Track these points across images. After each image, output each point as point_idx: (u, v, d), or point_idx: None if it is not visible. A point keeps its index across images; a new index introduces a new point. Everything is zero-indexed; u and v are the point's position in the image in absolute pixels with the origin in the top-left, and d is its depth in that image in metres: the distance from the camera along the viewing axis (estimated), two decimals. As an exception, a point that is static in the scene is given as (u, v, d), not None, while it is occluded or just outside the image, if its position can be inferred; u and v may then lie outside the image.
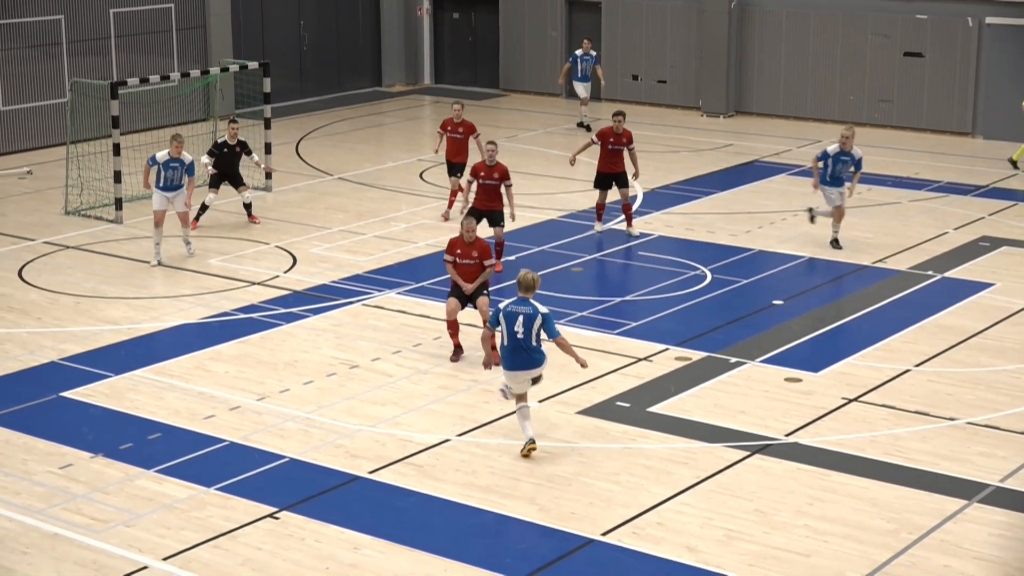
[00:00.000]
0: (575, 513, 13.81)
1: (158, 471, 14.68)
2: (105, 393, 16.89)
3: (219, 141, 24.10)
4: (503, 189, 21.32)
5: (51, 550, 13.07)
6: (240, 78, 31.48)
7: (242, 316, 19.76)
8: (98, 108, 25.72)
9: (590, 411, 16.31)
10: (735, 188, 27.28)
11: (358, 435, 15.63)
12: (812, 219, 23.49)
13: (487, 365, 16.01)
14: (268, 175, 26.87)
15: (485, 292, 17.83)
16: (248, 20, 35.48)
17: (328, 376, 17.42)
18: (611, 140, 23.30)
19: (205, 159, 24.18)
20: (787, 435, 15.60)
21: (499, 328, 15.06)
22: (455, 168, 24.54)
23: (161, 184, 21.78)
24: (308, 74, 37.23)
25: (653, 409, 16.38)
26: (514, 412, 15.33)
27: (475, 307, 17.78)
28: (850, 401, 16.56)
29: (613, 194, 23.71)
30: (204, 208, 24.06)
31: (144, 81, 25.94)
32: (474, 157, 24.12)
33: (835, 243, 23.00)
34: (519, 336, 14.87)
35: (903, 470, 14.72)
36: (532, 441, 15.00)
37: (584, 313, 19.79)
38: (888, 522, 13.57)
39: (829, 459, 14.97)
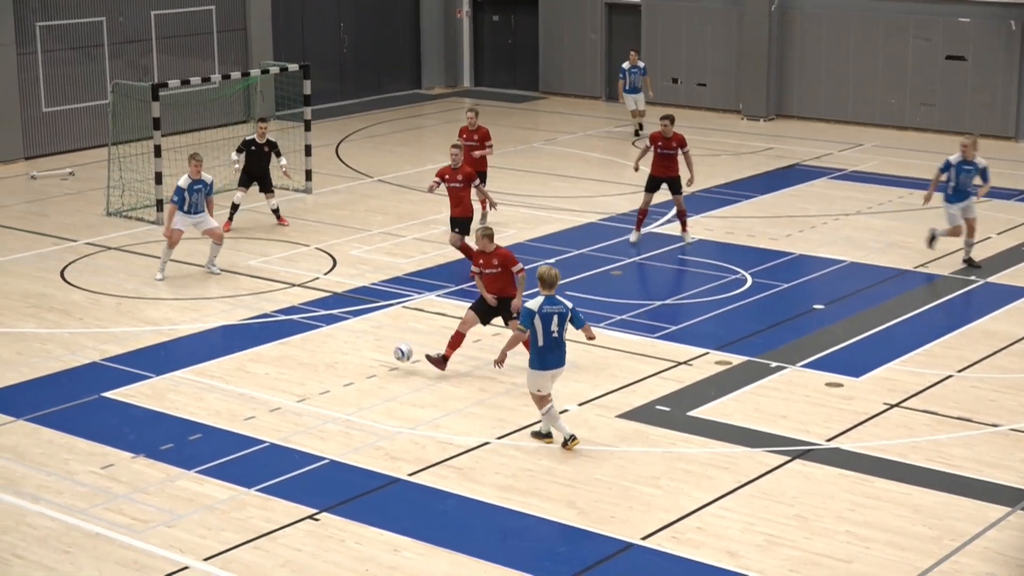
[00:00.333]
0: (615, 517, 13.77)
1: (199, 472, 14.72)
2: (146, 394, 16.96)
3: (248, 139, 24.15)
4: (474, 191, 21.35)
5: (93, 550, 13.13)
6: (280, 80, 31.55)
7: (282, 318, 19.81)
8: (139, 110, 25.84)
9: (630, 415, 16.27)
10: (776, 192, 27.18)
11: (398, 437, 15.64)
12: (932, 243, 22.31)
13: (500, 363, 15.74)
14: (306, 178, 26.93)
15: (515, 315, 17.22)
16: (289, 22, 35.58)
17: (368, 378, 17.44)
18: (660, 144, 23.08)
19: (234, 156, 24.23)
20: (828, 440, 15.53)
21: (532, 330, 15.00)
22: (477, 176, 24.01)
23: (185, 208, 21.30)
24: (348, 76, 37.30)
25: (693, 413, 16.33)
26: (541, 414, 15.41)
27: (506, 324, 17.64)
28: (892, 406, 16.47)
29: (659, 196, 23.56)
30: (235, 208, 24.12)
31: (185, 83, 26.04)
32: (490, 163, 24.17)
33: (969, 262, 21.91)
34: (554, 335, 14.97)
35: (945, 476, 14.63)
36: (574, 437, 15.21)
37: (624, 317, 19.75)
38: (930, 528, 13.49)
39: (871, 465, 14.88)
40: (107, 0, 31.33)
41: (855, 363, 17.89)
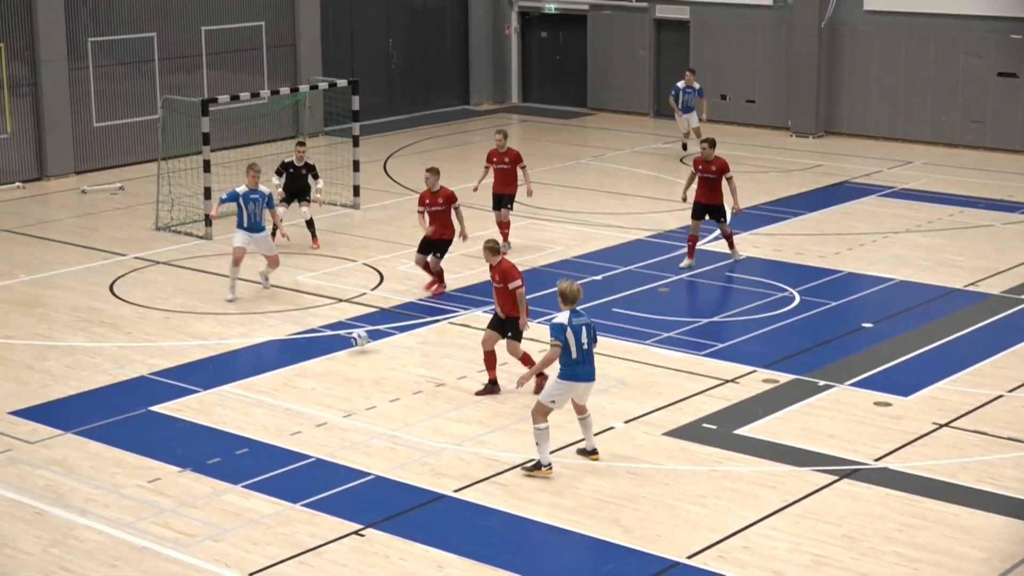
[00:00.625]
0: (661, 535, 13.71)
1: (245, 486, 14.76)
2: (193, 408, 17.02)
3: (286, 161, 24.13)
4: (452, 214, 21.12)
5: (139, 563, 13.18)
6: (329, 96, 31.70)
7: (329, 333, 19.85)
8: (189, 125, 26.00)
9: (676, 433, 16.21)
10: (824, 209, 27.05)
11: (443, 453, 15.63)
12: None
13: (522, 383, 15.61)
14: (354, 193, 26.99)
15: (510, 335, 17.17)
16: (338, 38, 35.73)
17: (414, 394, 17.45)
18: (701, 167, 22.77)
19: (275, 179, 24.22)
20: (876, 460, 15.42)
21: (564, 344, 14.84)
22: (504, 200, 23.62)
23: (245, 224, 21.15)
24: (396, 92, 37.40)
25: (740, 432, 16.25)
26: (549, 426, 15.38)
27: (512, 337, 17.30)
28: (941, 426, 16.34)
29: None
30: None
31: (234, 98, 26.18)
32: (523, 187, 23.89)
33: None
34: (585, 347, 14.90)
35: (996, 497, 14.49)
36: (595, 451, 15.36)
37: (671, 334, 19.69)
38: (980, 551, 13.36)
39: (919, 485, 14.76)
40: (158, 16, 31.55)
41: (904, 382, 17.76)
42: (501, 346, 17.46)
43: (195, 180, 25.93)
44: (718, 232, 24.07)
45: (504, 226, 23.72)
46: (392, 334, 19.69)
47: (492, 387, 17.44)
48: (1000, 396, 17.28)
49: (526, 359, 17.20)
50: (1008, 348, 19.05)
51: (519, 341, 17.26)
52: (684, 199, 23.69)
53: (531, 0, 38.67)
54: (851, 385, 17.66)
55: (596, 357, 17.47)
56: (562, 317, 14.89)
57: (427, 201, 21.12)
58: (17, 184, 29.17)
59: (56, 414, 16.84)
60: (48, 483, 14.90)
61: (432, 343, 19.30)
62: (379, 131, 34.91)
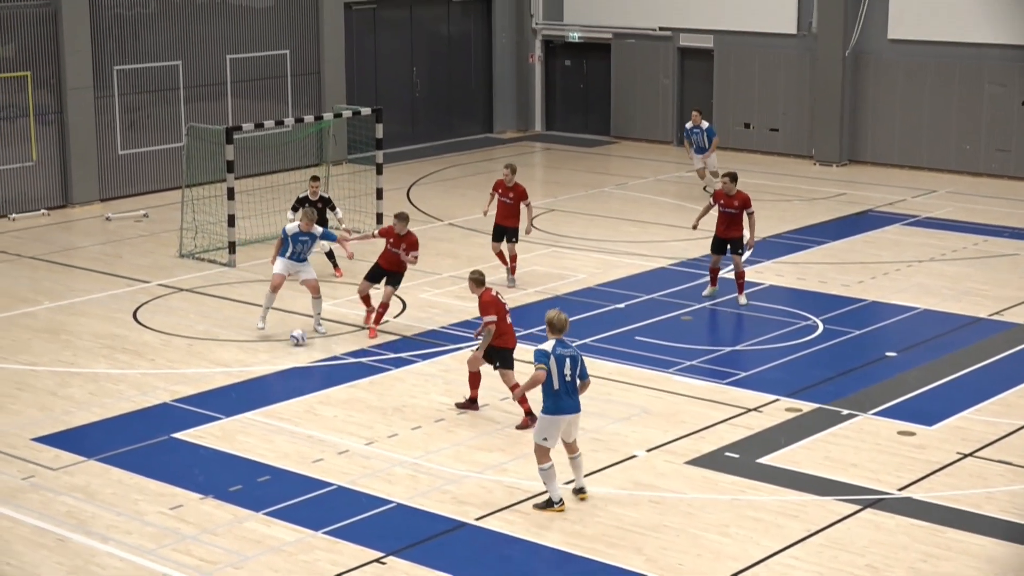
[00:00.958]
0: (683, 565, 13.66)
1: (267, 514, 14.75)
2: (216, 435, 17.04)
3: (300, 196, 24.08)
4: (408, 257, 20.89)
5: (160, 591, 13.18)
6: (353, 124, 31.79)
7: (352, 360, 19.86)
8: (213, 152, 26.09)
9: (699, 461, 16.15)
10: (848, 238, 27.00)
11: (465, 481, 15.61)
12: None
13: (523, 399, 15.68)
14: (377, 221, 27.03)
15: (498, 365, 17.41)
16: (362, 66, 35.85)
17: (436, 421, 17.44)
18: (722, 202, 22.45)
19: (290, 215, 24.22)
20: (900, 489, 15.34)
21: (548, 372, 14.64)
22: (506, 233, 23.40)
23: (288, 253, 20.98)
24: (420, 120, 37.50)
25: (763, 460, 16.19)
26: (538, 467, 14.84)
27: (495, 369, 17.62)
28: (965, 456, 16.25)
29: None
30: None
31: (259, 126, 26.27)
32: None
33: None
34: (568, 379, 14.65)
35: (1021, 528, 14.39)
36: (583, 490, 15.06)
37: (694, 362, 19.65)
38: (1004, 581, 13.28)
39: (943, 515, 14.68)
40: (184, 45, 31.71)
41: (928, 411, 17.69)
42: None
43: (219, 207, 26.01)
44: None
45: (512, 259, 23.57)
46: (414, 362, 19.69)
47: (471, 404, 17.78)
48: (1025, 426, 17.21)
49: (516, 388, 17.27)
50: (1033, 377, 18.98)
51: (510, 369, 17.47)
52: (694, 227, 23.43)
53: (555, 28, 38.75)
54: (874, 414, 17.59)
55: (617, 385, 17.48)
56: (547, 345, 14.72)
57: (391, 241, 20.90)
58: (42, 211, 29.31)
59: (79, 441, 16.87)
60: (70, 509, 14.92)
61: (454, 371, 19.29)
62: (403, 159, 34.98)
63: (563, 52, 39.08)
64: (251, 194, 28.19)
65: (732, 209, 22.30)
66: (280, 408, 17.96)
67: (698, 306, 22.35)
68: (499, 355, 17.41)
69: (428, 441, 16.79)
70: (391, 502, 15.07)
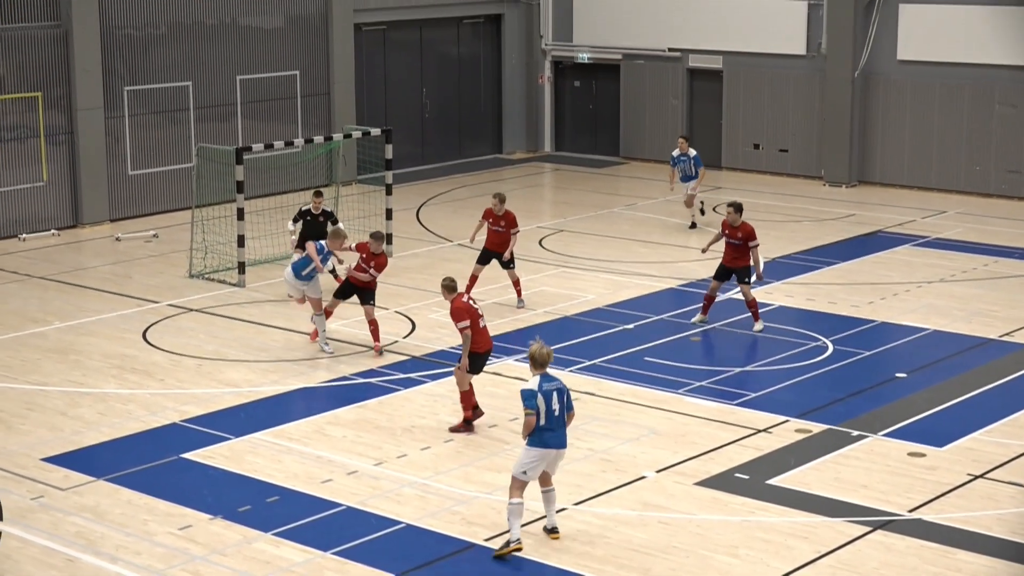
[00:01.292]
0: (692, 586, 13.63)
1: (276, 534, 14.74)
2: (225, 455, 17.03)
3: (303, 208, 24.11)
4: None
5: (169, 611, 13.16)
6: (362, 144, 31.86)
7: (361, 381, 19.86)
8: (223, 173, 26.13)
9: (708, 482, 16.12)
10: (858, 258, 26.97)
11: (474, 502, 15.59)
12: None
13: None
14: (387, 241, 27.07)
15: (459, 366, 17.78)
16: (371, 87, 35.93)
17: (445, 442, 17.42)
18: (727, 231, 22.23)
19: (290, 226, 24.27)
20: (910, 511, 15.30)
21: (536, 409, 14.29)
22: (495, 258, 23.28)
23: (304, 272, 21.02)
24: (429, 141, 37.56)
25: (772, 482, 16.15)
26: (514, 503, 14.38)
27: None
28: (976, 477, 16.21)
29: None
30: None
31: (268, 147, 26.31)
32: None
33: None
34: (556, 414, 14.26)
35: (1031, 549, 14.37)
36: (555, 530, 14.64)
37: (703, 383, 19.63)
38: (1015, 603, 13.23)
39: (954, 536, 14.64)
40: (194, 66, 31.79)
41: (938, 433, 17.65)
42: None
43: (229, 228, 26.05)
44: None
45: (515, 283, 23.44)
46: (424, 382, 19.68)
47: (466, 426, 17.81)
48: (1035, 447, 17.16)
49: (464, 397, 17.78)
50: (1043, 399, 18.94)
51: (474, 374, 17.84)
52: (704, 251, 23.33)
53: (565, 49, 38.82)
54: (885, 435, 17.55)
55: (626, 405, 17.45)
56: (532, 383, 14.35)
57: (363, 258, 20.88)
58: (52, 231, 29.36)
59: (88, 461, 16.87)
60: (79, 530, 14.92)
61: (464, 391, 19.27)
62: (412, 179, 35.03)
63: (572, 73, 39.14)
64: (261, 214, 28.23)
65: (736, 240, 22.05)
66: (289, 428, 17.96)
67: (707, 327, 22.32)
68: (471, 360, 17.65)
69: (437, 461, 16.77)
70: (400, 523, 15.05)
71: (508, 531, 14.47)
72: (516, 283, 23.47)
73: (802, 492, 15.83)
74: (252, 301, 23.94)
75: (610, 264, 26.46)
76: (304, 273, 21.06)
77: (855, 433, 17.60)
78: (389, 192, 27.24)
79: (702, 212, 29.76)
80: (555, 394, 14.29)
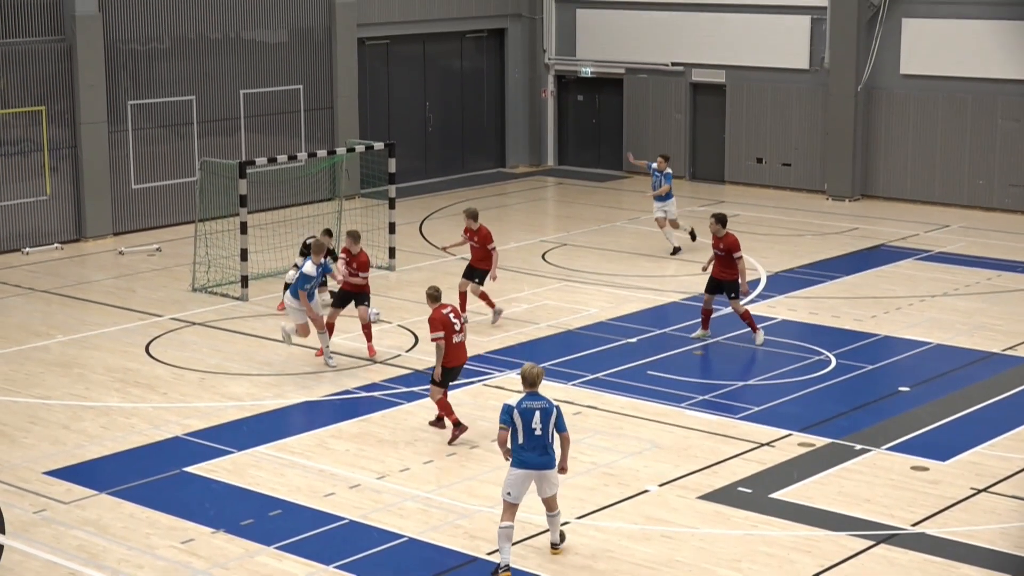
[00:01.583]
0: (695, 600, 13.61)
1: (278, 548, 14.72)
2: (227, 469, 17.02)
3: (307, 241, 24.04)
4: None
5: (171, 625, 13.14)
6: (366, 158, 31.88)
7: (363, 394, 19.86)
8: (226, 187, 26.15)
9: (711, 496, 16.11)
10: (861, 272, 26.97)
11: (477, 515, 15.57)
12: None
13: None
14: (390, 255, 27.09)
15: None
16: (375, 101, 35.97)
17: (448, 456, 17.41)
18: (713, 243, 22.21)
19: (298, 261, 24.20)
20: (913, 525, 15.28)
21: (512, 427, 14.11)
22: (475, 274, 23.26)
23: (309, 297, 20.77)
24: (433, 155, 37.59)
25: (775, 495, 16.13)
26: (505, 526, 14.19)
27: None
28: (979, 491, 16.19)
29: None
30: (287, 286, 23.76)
31: (272, 161, 26.33)
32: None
33: None
34: (537, 433, 14.00)
35: (1034, 564, 14.34)
36: (555, 545, 14.49)
37: (706, 397, 19.62)
38: (1019, 617, 13.21)
39: (957, 551, 14.61)
40: (198, 80, 31.84)
41: (941, 446, 17.63)
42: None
43: (232, 242, 26.07)
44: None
45: (481, 297, 23.29)
46: (426, 395, 19.65)
47: (458, 428, 17.93)
48: (1039, 461, 17.14)
49: (441, 403, 18.04)
50: (1047, 413, 18.92)
51: (442, 388, 18.05)
52: (704, 269, 23.00)
53: (568, 64, 38.86)
54: (888, 449, 17.54)
55: (629, 419, 17.42)
56: (512, 399, 14.21)
57: (347, 260, 21.28)
58: (56, 245, 29.39)
59: (91, 474, 16.87)
60: (82, 543, 14.91)
61: (466, 405, 19.26)
62: (415, 193, 35.05)
63: (575, 87, 39.17)
64: (264, 228, 28.25)
65: (720, 251, 21.96)
66: (292, 442, 17.96)
67: (710, 341, 22.31)
68: (442, 373, 17.91)
69: (440, 475, 16.77)
70: (403, 536, 15.04)
71: (513, 544, 14.44)
72: (482, 297, 23.31)
73: (805, 506, 15.81)
74: (255, 315, 23.95)
75: (613, 278, 26.46)
76: (306, 287, 20.85)
77: (858, 447, 17.58)
78: (392, 206, 27.26)
79: (692, 237, 28.89)
80: (537, 413, 14.03)
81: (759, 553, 14.60)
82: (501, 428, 14.15)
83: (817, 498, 16.03)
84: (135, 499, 16.07)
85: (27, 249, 29.00)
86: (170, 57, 31.43)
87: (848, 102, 33.89)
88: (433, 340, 17.77)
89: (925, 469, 16.87)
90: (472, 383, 20.19)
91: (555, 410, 14.18)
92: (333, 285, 22.89)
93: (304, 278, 20.70)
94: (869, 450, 17.49)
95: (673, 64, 36.86)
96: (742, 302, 22.16)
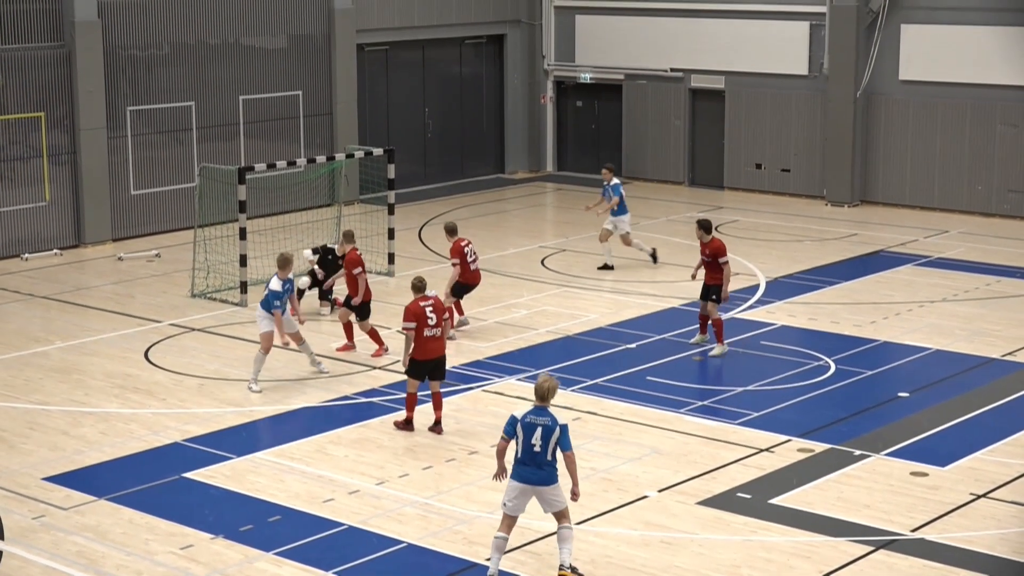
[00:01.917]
0: (695, 606, 13.60)
1: (277, 554, 14.72)
2: (226, 474, 17.02)
3: (328, 246, 24.06)
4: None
5: (170, 631, 13.14)
6: (365, 164, 31.89)
7: (363, 400, 19.86)
8: (226, 193, 26.16)
9: (710, 502, 16.10)
10: (860, 278, 26.97)
11: (476, 521, 15.57)
12: None
13: (497, 477, 14.26)
14: (389, 261, 27.09)
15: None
16: (374, 107, 35.98)
17: (447, 461, 17.41)
18: (700, 250, 22.16)
19: (309, 254, 24.25)
20: (913, 531, 15.27)
21: (515, 439, 13.91)
22: (468, 290, 23.18)
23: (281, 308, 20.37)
24: (432, 160, 37.60)
25: (775, 501, 16.13)
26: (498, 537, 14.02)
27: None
28: (978, 497, 16.19)
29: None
30: (300, 293, 23.73)
31: (271, 166, 26.34)
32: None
33: None
34: (535, 449, 13.74)
35: (1034, 569, 14.34)
36: (573, 569, 14.00)
37: (705, 402, 19.62)
38: (1018, 623, 13.20)
39: (957, 556, 14.61)
40: (197, 86, 31.85)
41: (941, 452, 17.63)
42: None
43: (231, 247, 26.06)
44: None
45: (455, 305, 23.15)
46: (425, 401, 19.63)
47: (406, 425, 18.54)
48: (1038, 467, 17.13)
49: (411, 399, 18.55)
50: (1046, 418, 18.92)
51: (416, 379, 18.49)
52: (693, 277, 22.82)
53: (567, 70, 38.87)
54: (887, 455, 17.53)
55: (628, 425, 17.41)
56: (519, 411, 14.00)
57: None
58: (55, 251, 29.39)
59: (90, 480, 16.86)
60: (81, 549, 14.90)
61: (466, 410, 19.28)
62: (414, 199, 35.05)
63: (575, 93, 39.19)
64: (263, 234, 28.25)
65: (706, 257, 21.90)
66: (291, 448, 17.95)
67: (709, 346, 22.29)
68: (414, 366, 18.25)
69: (439, 481, 16.76)
70: (402, 542, 15.03)
71: (512, 550, 14.45)
72: (453, 307, 23.24)
73: (804, 511, 15.80)
74: (254, 321, 23.84)
75: (612, 284, 26.46)
76: (276, 304, 20.20)
77: (857, 452, 17.58)
78: (391, 212, 27.27)
79: (653, 259, 27.92)
80: (539, 430, 13.75)
81: (758, 559, 14.60)
82: (502, 438, 14.00)
83: (816, 504, 16.02)
84: (134, 505, 16.06)
85: (26, 255, 29.00)
86: (169, 63, 31.44)
87: (847, 108, 33.90)
88: (402, 330, 18.17)
89: (924, 475, 16.87)
90: (472, 389, 20.20)
91: (558, 429, 13.78)
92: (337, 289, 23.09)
93: (272, 294, 20.12)
94: (868, 456, 17.48)
95: (672, 70, 36.88)
96: (721, 312, 22.09)
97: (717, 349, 21.82)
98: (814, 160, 34.96)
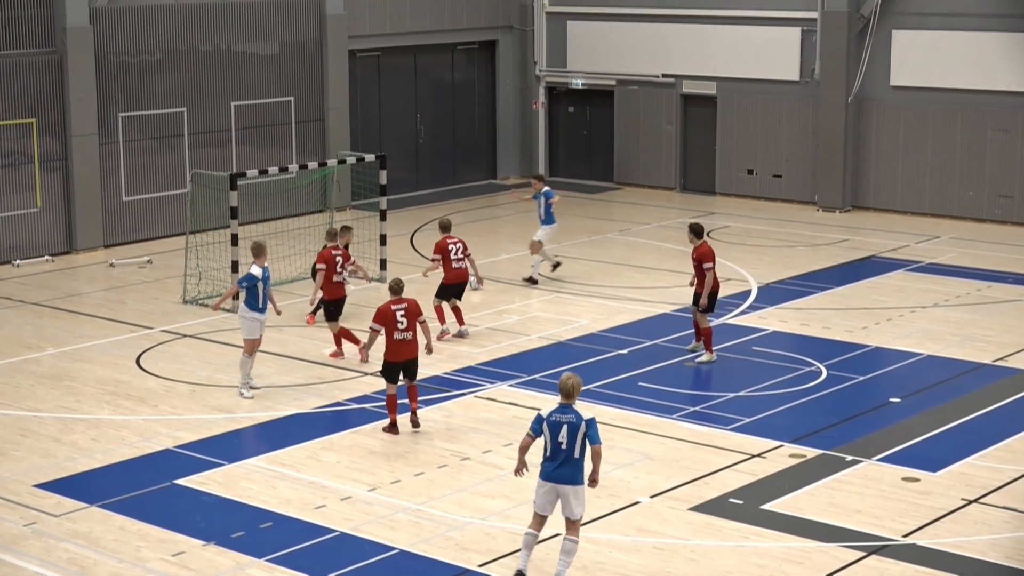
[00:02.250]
0: (687, 612, 13.59)
1: (269, 560, 14.70)
2: (218, 481, 17.00)
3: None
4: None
5: (161, 638, 13.11)
6: (357, 170, 31.90)
7: (355, 406, 19.84)
8: (217, 199, 26.15)
9: (702, 507, 16.10)
10: (851, 283, 26.99)
11: (468, 528, 15.56)
12: None
13: (518, 472, 14.34)
14: (381, 267, 27.09)
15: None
16: (366, 113, 35.99)
17: (439, 468, 17.40)
18: (691, 255, 22.14)
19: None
20: (904, 536, 15.28)
21: (542, 437, 13.92)
22: (457, 291, 23.39)
23: (260, 305, 20.17)
24: (424, 166, 37.61)
25: (767, 507, 16.13)
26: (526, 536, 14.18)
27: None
28: (970, 502, 16.20)
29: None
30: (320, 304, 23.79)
31: (263, 172, 26.32)
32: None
33: None
34: (562, 446, 13.77)
35: (1025, 574, 14.35)
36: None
37: (697, 408, 19.63)
38: (1010, 628, 13.21)
39: (948, 561, 14.62)
40: (188, 92, 31.83)
41: (932, 457, 17.64)
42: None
43: (223, 254, 26.05)
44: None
45: (437, 310, 23.27)
46: (418, 407, 19.63)
47: (392, 428, 18.62)
48: (1029, 472, 17.15)
49: (391, 401, 18.69)
50: (1037, 423, 18.94)
51: (391, 383, 18.65)
52: (691, 283, 22.52)
53: (559, 75, 38.90)
54: (879, 460, 17.54)
55: (620, 430, 17.39)
56: (545, 409, 14.03)
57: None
58: (46, 258, 29.36)
59: (81, 487, 16.83)
60: (72, 556, 14.87)
61: (457, 416, 19.27)
62: (406, 205, 35.06)
63: (566, 99, 39.21)
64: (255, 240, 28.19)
65: (694, 261, 21.79)
66: (282, 454, 17.93)
67: (701, 352, 22.28)
68: (387, 368, 18.54)
69: (431, 487, 16.75)
70: (394, 549, 15.02)
71: (504, 556, 14.44)
72: (453, 310, 23.31)
73: (796, 517, 15.81)
74: (246, 327, 23.89)
75: (604, 289, 26.47)
76: (260, 306, 20.18)
77: (849, 458, 17.59)
78: (383, 218, 27.27)
79: (553, 267, 27.41)
80: (565, 427, 13.74)
81: (750, 564, 14.59)
82: (528, 435, 13.98)
83: (808, 509, 16.03)
84: (125, 512, 16.03)
85: (17, 261, 28.97)
86: (161, 69, 31.43)
87: (838, 113, 33.95)
88: (370, 328, 18.59)
89: (916, 480, 16.88)
90: (463, 395, 20.19)
91: (583, 424, 13.77)
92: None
93: (249, 277, 20.14)
94: (860, 461, 17.49)
95: (664, 76, 36.91)
96: (712, 318, 22.04)
97: (705, 356, 21.81)
98: (805, 166, 35.00)
